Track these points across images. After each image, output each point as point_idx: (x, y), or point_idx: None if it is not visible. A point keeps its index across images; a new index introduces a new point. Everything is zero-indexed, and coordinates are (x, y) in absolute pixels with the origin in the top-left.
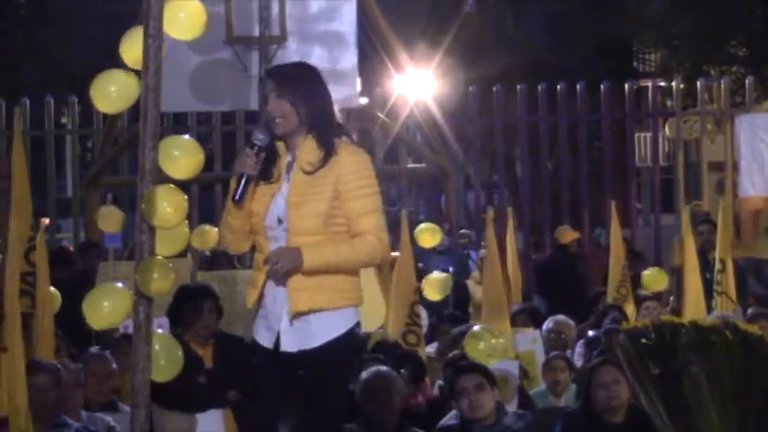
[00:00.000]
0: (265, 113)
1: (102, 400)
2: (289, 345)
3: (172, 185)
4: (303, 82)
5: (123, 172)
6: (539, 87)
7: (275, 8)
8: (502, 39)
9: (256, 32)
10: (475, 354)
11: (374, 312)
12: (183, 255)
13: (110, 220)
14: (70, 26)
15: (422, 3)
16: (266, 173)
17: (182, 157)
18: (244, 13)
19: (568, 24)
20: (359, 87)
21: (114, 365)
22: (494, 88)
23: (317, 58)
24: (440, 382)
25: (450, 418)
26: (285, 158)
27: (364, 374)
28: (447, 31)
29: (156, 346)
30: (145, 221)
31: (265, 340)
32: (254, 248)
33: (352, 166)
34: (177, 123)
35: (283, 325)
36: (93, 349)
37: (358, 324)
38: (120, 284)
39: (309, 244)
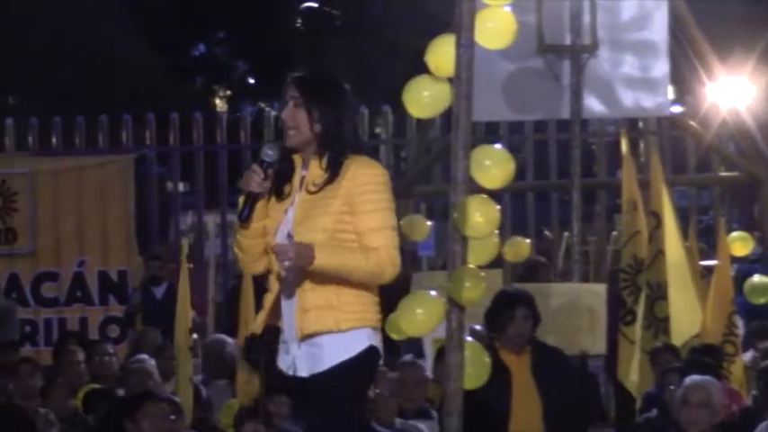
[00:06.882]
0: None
1: (415, 407)
2: (302, 369)
3: (484, 196)
4: (325, 96)
5: (436, 181)
6: None
7: (586, 17)
8: None
9: (568, 41)
10: None
11: (690, 320)
12: (496, 266)
13: (414, 227)
14: (384, 35)
15: (735, 8)
16: (280, 189)
17: (493, 166)
18: (555, 21)
19: None
20: (671, 96)
21: (427, 373)
22: None
23: (629, 66)
24: (754, 391)
25: (763, 429)
26: (300, 173)
27: (687, 381)
28: (761, 36)
29: (466, 353)
30: (457, 231)
31: (284, 365)
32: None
33: (361, 179)
34: (489, 133)
35: (294, 349)
36: (407, 357)
37: (372, 347)
38: (432, 293)
39: (324, 242)
